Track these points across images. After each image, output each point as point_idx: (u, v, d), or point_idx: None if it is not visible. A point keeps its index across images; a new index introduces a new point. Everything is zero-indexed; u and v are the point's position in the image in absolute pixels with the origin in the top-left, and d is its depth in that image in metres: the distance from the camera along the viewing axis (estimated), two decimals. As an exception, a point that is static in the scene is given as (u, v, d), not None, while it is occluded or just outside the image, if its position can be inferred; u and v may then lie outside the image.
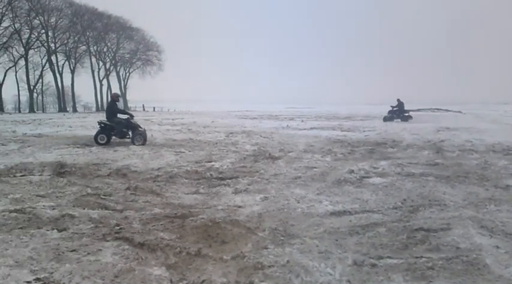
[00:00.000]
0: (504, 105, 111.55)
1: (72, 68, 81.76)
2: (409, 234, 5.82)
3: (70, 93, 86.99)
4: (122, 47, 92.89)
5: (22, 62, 74.08)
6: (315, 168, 11.36)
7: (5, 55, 71.43)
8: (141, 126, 18.90)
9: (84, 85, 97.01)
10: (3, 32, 68.65)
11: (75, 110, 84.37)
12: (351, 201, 7.73)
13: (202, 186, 9.15)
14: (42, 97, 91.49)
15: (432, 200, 7.75)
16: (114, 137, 18.35)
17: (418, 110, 70.18)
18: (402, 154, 14.19)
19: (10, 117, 48.04)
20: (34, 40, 74.18)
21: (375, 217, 6.73)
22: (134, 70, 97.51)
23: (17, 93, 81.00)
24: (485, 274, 4.55)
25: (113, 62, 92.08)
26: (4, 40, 68.94)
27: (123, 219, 6.48)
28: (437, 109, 71.04)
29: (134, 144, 17.45)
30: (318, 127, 28.83)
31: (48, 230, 5.85)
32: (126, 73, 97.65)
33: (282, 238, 5.68)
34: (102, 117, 20.10)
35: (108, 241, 5.47)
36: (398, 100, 39.28)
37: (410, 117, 38.91)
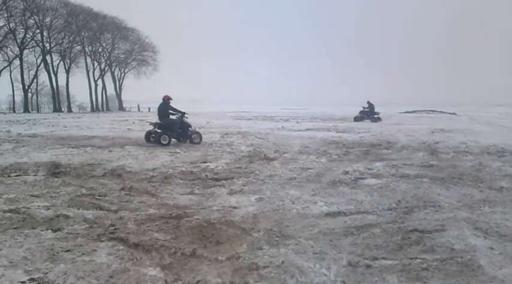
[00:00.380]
0: (498, 107, 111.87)
1: (67, 67, 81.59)
2: (403, 235, 5.83)
3: (65, 93, 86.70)
4: (117, 47, 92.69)
5: (17, 62, 73.91)
6: (310, 169, 11.37)
7: (0, 55, 71.32)
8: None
9: (79, 86, 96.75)
10: (-3, 32, 68.58)
11: (70, 110, 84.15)
12: (345, 202, 7.74)
13: (197, 187, 9.15)
14: (37, 97, 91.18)
15: (427, 201, 7.77)
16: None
17: (414, 112, 70.38)
18: (397, 156, 14.23)
19: (5, 117, 47.93)
20: (29, 40, 73.95)
21: (370, 218, 6.74)
22: (129, 70, 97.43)
23: (11, 93, 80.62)
24: (480, 275, 4.56)
25: (108, 62, 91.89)
26: (-1, 40, 68.86)
27: (117, 220, 6.47)
28: (432, 111, 71.20)
29: (193, 143, 18.08)
30: (313, 129, 28.88)
31: (42, 230, 5.83)
32: (121, 74, 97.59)
33: (277, 238, 5.68)
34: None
35: (102, 241, 5.46)
36: (368, 102, 41.77)
37: (379, 118, 40.83)
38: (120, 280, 4.32)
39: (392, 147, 16.80)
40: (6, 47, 71.28)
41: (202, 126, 30.52)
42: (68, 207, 7.18)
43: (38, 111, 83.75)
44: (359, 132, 25.17)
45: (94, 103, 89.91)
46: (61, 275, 4.35)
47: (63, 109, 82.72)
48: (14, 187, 8.66)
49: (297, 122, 38.26)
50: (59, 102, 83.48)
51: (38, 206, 7.11)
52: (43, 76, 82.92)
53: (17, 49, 72.43)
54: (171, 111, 18.92)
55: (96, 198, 7.90)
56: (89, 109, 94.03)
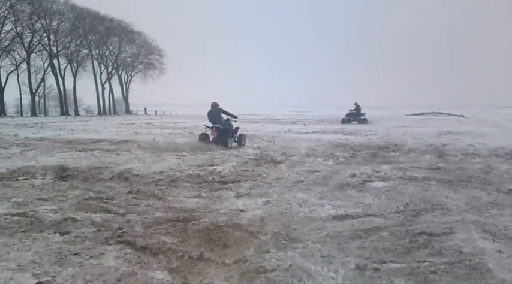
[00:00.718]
0: (505, 109, 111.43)
1: (74, 71, 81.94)
2: (411, 238, 5.80)
3: (72, 97, 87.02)
4: (124, 50, 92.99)
5: (24, 66, 74.33)
6: (317, 171, 11.35)
7: (7, 58, 71.59)
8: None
9: (86, 89, 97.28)
10: (5, 36, 68.90)
11: (77, 114, 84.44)
12: (353, 205, 7.72)
13: (204, 190, 9.15)
14: (44, 100, 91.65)
15: (435, 204, 7.73)
16: None
17: (421, 114, 70.16)
18: (404, 158, 14.19)
19: (12, 120, 48.12)
20: (36, 43, 74.33)
21: (378, 221, 6.72)
22: (136, 73, 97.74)
23: (19, 97, 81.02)
24: (488, 279, 4.54)
25: (115, 65, 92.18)
26: (6, 43, 69.11)
27: (125, 223, 6.48)
28: (440, 113, 71.00)
29: (241, 145, 18.68)
30: (320, 131, 28.87)
31: (50, 233, 5.84)
32: (128, 77, 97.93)
33: (284, 242, 5.67)
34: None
35: (110, 244, 5.46)
36: (356, 104, 42.65)
37: (366, 120, 41.76)
38: (128, 283, 4.32)
39: (400, 150, 16.75)
40: (14, 51, 71.71)
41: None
42: (76, 210, 7.18)
43: (45, 115, 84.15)
44: (366, 135, 25.14)
45: (101, 106, 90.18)
46: (69, 279, 4.35)
47: (70, 113, 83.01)
48: (21, 191, 8.68)
49: (304, 125, 38.29)
50: (66, 105, 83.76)
51: (45, 209, 7.11)
52: (50, 80, 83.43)
53: (24, 53, 72.82)
54: (224, 115, 19.46)
55: (104, 201, 7.90)
56: (96, 112, 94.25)
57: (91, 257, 4.99)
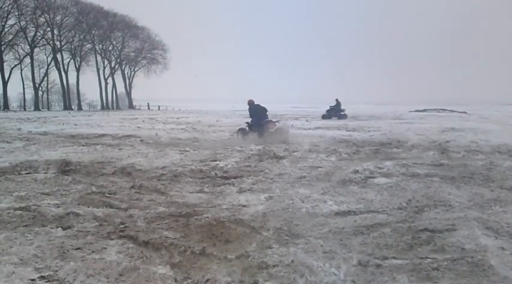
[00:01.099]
0: (508, 106, 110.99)
1: (77, 66, 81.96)
2: (414, 235, 5.80)
3: (75, 91, 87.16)
4: (127, 45, 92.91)
5: (27, 60, 74.34)
6: (320, 167, 11.33)
7: (11, 53, 71.69)
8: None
9: (90, 84, 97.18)
10: (9, 30, 68.92)
11: (80, 108, 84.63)
12: (355, 201, 7.71)
13: (206, 185, 9.15)
14: (48, 95, 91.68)
15: (437, 201, 7.71)
16: None
17: (424, 110, 69.96)
18: (407, 155, 14.15)
19: (15, 114, 48.18)
20: (39, 38, 74.32)
21: (380, 217, 6.71)
22: (139, 68, 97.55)
23: (22, 91, 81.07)
24: (491, 276, 4.53)
25: (118, 60, 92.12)
26: (10, 38, 69.15)
27: (127, 218, 6.49)
28: (443, 109, 70.75)
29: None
30: (323, 127, 28.79)
31: (52, 228, 5.85)
32: (131, 72, 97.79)
33: (286, 237, 5.67)
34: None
35: (112, 239, 5.47)
36: (336, 100, 43.39)
37: (345, 115, 42.46)
38: (130, 278, 4.33)
39: (403, 146, 16.71)
40: (17, 45, 71.75)
41: (212, 124, 30.63)
42: (78, 204, 7.20)
43: (48, 109, 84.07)
44: (369, 131, 25.08)
45: (104, 101, 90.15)
46: (71, 273, 4.36)
47: (73, 107, 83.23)
48: (24, 185, 8.70)
49: (307, 121, 38.20)
50: (69, 100, 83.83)
51: (48, 204, 7.13)
52: (53, 75, 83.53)
53: (28, 47, 72.81)
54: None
55: (106, 196, 7.92)
56: (99, 107, 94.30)
57: (93, 251, 5.00)
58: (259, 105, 20.62)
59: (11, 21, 68.71)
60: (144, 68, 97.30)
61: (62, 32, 77.32)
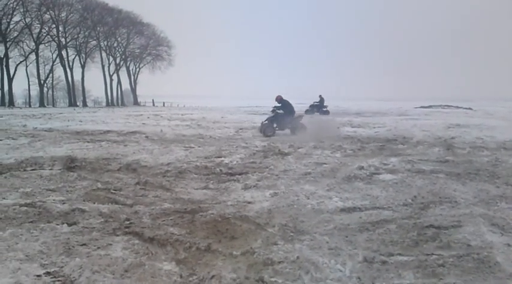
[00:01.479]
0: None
1: (82, 62, 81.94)
2: (419, 231, 5.79)
3: (80, 88, 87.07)
4: (132, 41, 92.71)
5: (33, 57, 74.29)
6: (325, 164, 11.33)
7: (16, 49, 71.63)
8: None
9: (94, 80, 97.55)
10: (14, 27, 68.87)
11: (85, 105, 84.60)
12: (361, 198, 7.70)
13: (211, 182, 9.15)
14: (53, 91, 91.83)
15: (443, 197, 7.70)
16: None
17: (429, 106, 69.80)
18: (412, 151, 14.13)
19: (20, 111, 48.24)
20: (45, 35, 74.26)
21: (385, 213, 6.70)
22: (144, 65, 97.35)
23: (27, 88, 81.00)
24: (497, 272, 4.52)
25: (123, 56, 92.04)
26: (15, 34, 69.17)
27: (133, 214, 6.50)
28: (448, 106, 70.57)
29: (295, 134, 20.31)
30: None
31: (58, 224, 5.87)
32: (136, 69, 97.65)
33: (291, 234, 5.67)
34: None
35: (118, 235, 5.48)
36: (320, 96, 44.83)
37: (327, 111, 43.62)
38: (136, 274, 4.34)
39: (408, 142, 16.69)
40: (23, 42, 71.66)
41: (217, 121, 30.60)
42: (84, 201, 7.21)
43: (53, 106, 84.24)
44: (374, 127, 25.04)
45: (109, 97, 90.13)
46: (77, 269, 4.37)
47: (78, 104, 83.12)
48: (29, 181, 8.71)
49: (311, 117, 38.19)
50: (74, 96, 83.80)
51: (53, 200, 7.15)
52: (59, 71, 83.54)
53: (33, 44, 72.79)
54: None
55: (112, 192, 7.93)
56: (104, 103, 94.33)
57: (99, 248, 5.01)
58: (287, 100, 21.44)
59: (16, 18, 68.69)
60: (149, 65, 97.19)
61: (67, 29, 77.25)
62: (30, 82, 78.70)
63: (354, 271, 4.51)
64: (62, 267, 4.44)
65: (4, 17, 66.59)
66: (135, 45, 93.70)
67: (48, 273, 4.31)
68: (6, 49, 68.15)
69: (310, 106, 44.29)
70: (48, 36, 75.20)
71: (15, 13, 67.74)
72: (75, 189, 8.08)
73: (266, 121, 20.96)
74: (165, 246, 5.15)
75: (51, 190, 7.95)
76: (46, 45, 76.52)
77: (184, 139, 17.63)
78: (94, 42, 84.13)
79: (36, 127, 22.60)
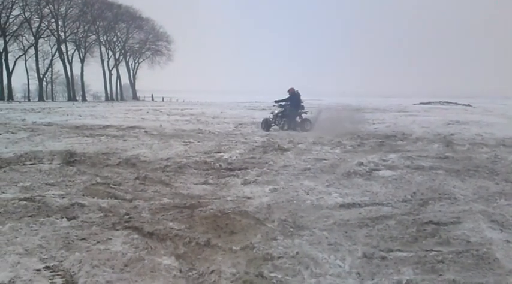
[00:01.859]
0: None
1: (81, 57, 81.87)
2: (419, 227, 5.80)
3: (79, 82, 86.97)
4: (132, 36, 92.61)
5: (32, 51, 74.31)
6: (324, 159, 11.34)
7: (15, 43, 71.60)
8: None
9: (94, 75, 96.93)
10: (13, 21, 68.84)
11: (84, 99, 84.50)
12: (360, 193, 7.71)
13: (211, 177, 9.15)
14: (52, 86, 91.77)
15: (442, 193, 7.71)
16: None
17: (429, 103, 69.84)
18: (412, 147, 14.15)
19: (19, 105, 48.20)
20: (44, 29, 74.20)
21: (385, 209, 6.71)
22: (143, 60, 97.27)
23: (26, 82, 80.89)
24: (496, 269, 4.52)
25: (123, 51, 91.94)
26: (14, 28, 69.11)
27: (132, 209, 6.49)
28: (447, 102, 70.60)
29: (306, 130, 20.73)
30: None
31: (57, 218, 5.86)
32: (135, 63, 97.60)
33: (291, 229, 5.67)
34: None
35: (117, 230, 5.48)
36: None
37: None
38: (135, 268, 4.33)
39: (407, 139, 16.73)
40: (22, 36, 71.69)
41: (216, 116, 30.60)
42: (83, 195, 7.21)
43: (52, 100, 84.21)
44: (373, 123, 25.07)
45: (108, 92, 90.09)
46: (76, 264, 4.37)
47: (77, 98, 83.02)
48: (29, 176, 8.70)
49: (311, 113, 38.16)
50: (74, 91, 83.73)
51: (53, 194, 7.14)
52: (58, 65, 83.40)
53: (32, 38, 72.82)
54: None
55: (111, 187, 7.93)
56: (103, 98, 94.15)
57: (98, 242, 5.01)
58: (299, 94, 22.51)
59: (15, 12, 68.69)
60: (148, 59, 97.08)
61: (66, 23, 77.15)
62: (30, 77, 78.74)
63: (353, 267, 4.51)
64: (62, 261, 4.44)
65: (3, 11, 66.65)
66: (134, 39, 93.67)
67: (47, 267, 4.30)
68: (6, 43, 68.18)
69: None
70: (48, 30, 75.19)
71: (14, 7, 67.82)
72: (75, 184, 8.08)
73: (272, 116, 21.44)
74: (164, 241, 5.15)
75: (50, 185, 7.95)
76: (45, 39, 76.60)
77: (183, 134, 17.64)
78: (93, 37, 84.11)
79: (35, 122, 22.58)
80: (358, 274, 4.36)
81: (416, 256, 4.79)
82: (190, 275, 4.31)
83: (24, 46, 72.98)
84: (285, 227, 5.73)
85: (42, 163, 10.03)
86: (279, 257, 4.67)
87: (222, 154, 12.07)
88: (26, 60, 74.88)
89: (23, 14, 69.26)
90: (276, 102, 21.58)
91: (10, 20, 68.23)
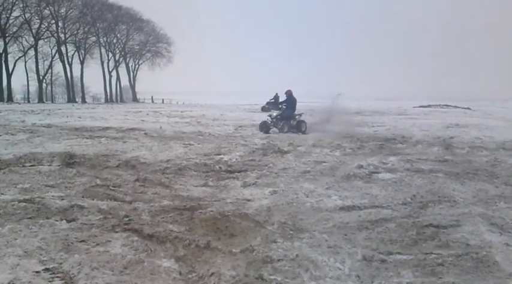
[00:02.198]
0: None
1: (81, 58, 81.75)
2: (418, 230, 5.80)
3: (79, 84, 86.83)
4: (132, 38, 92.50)
5: (32, 52, 74.16)
6: (324, 162, 11.34)
7: (15, 45, 71.52)
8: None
9: (94, 76, 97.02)
10: (13, 22, 68.77)
11: (84, 101, 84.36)
12: (360, 196, 7.71)
13: (211, 179, 9.15)
14: (52, 87, 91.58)
15: (442, 196, 7.72)
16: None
17: (428, 106, 69.82)
18: (412, 150, 14.16)
19: (19, 106, 48.18)
20: (44, 30, 74.10)
21: (384, 212, 6.71)
22: (144, 62, 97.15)
23: (26, 83, 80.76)
24: (495, 272, 4.53)
25: (123, 53, 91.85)
26: (14, 30, 69.07)
27: (132, 211, 6.49)
28: (446, 105, 70.57)
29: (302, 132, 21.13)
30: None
31: (57, 220, 5.86)
32: (135, 65, 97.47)
33: (291, 232, 5.67)
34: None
35: (117, 232, 5.48)
36: (276, 94, 43.76)
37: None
38: (135, 271, 4.33)
39: (407, 142, 16.73)
40: (22, 37, 71.57)
41: (216, 118, 30.61)
42: (83, 197, 7.21)
43: (52, 102, 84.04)
44: (373, 126, 25.08)
45: (108, 94, 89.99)
46: (76, 266, 4.37)
47: (77, 100, 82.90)
48: (28, 177, 8.70)
49: (310, 115, 38.17)
50: (73, 92, 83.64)
51: (52, 196, 7.14)
52: (58, 67, 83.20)
53: (32, 39, 72.71)
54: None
55: (111, 189, 7.92)
56: (103, 100, 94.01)
57: (98, 244, 5.00)
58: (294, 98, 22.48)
59: (15, 13, 68.58)
60: (148, 61, 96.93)
61: (66, 25, 77.07)
62: (29, 78, 78.55)
63: (353, 270, 4.51)
64: (61, 263, 4.43)
65: (3, 12, 66.58)
66: (134, 41, 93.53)
67: (47, 269, 4.30)
68: (6, 44, 68.10)
69: (267, 103, 44.97)
70: (48, 32, 75.07)
71: (14, 8, 67.73)
72: (74, 185, 8.08)
73: (271, 118, 21.50)
74: (164, 243, 5.15)
75: (50, 186, 7.95)
76: (45, 40, 76.41)
77: (183, 136, 17.63)
78: (93, 38, 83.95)
79: (35, 123, 22.57)
80: (357, 277, 4.36)
81: (416, 259, 4.80)
82: (190, 277, 4.30)
83: (24, 47, 72.94)
84: (285, 230, 5.73)
85: (41, 165, 10.02)
86: (278, 260, 4.67)
87: (222, 156, 12.08)
88: (25, 62, 74.85)
89: (23, 15, 69.23)
90: (268, 103, 21.77)
91: (10, 21, 68.17)
